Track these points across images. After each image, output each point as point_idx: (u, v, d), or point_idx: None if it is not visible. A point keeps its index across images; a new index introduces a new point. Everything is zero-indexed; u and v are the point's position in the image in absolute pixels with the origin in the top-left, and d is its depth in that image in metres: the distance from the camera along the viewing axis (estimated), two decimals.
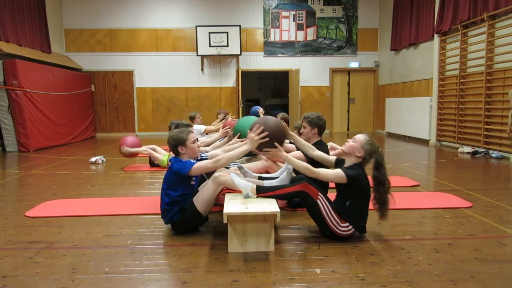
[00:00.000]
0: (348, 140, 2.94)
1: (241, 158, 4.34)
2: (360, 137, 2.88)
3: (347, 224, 2.80)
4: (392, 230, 3.13)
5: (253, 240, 2.68)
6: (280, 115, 5.75)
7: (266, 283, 2.25)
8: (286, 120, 5.53)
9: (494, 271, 2.37)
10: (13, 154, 8.26)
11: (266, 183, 3.05)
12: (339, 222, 2.78)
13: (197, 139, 3.14)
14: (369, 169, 2.88)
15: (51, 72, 9.85)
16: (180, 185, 2.99)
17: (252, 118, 3.95)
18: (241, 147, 3.05)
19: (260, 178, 3.22)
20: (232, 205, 2.73)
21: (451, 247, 2.74)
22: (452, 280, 2.25)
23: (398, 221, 3.34)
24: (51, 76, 9.83)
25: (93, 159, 6.84)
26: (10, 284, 2.28)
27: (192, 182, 3.07)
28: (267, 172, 3.69)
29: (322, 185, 3.37)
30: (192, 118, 7.54)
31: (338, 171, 2.77)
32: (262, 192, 2.89)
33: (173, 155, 3.13)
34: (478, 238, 2.93)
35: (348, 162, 2.89)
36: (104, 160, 6.91)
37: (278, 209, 2.63)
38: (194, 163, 2.94)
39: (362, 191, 2.81)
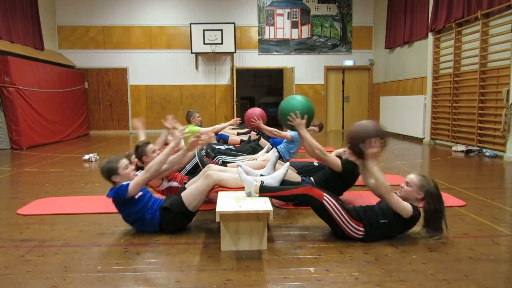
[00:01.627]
0: (401, 185, 2.87)
1: (241, 156, 4.31)
2: (413, 179, 2.81)
3: (359, 224, 2.76)
4: None
5: (245, 239, 2.67)
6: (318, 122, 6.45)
7: (260, 282, 2.24)
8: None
9: (488, 270, 2.38)
10: (6, 151, 8.18)
11: (266, 179, 3.04)
12: (349, 220, 2.75)
13: (129, 163, 3.08)
14: None
15: (44, 69, 9.75)
16: (129, 206, 2.96)
17: (293, 100, 3.70)
18: (167, 147, 3.06)
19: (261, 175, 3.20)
20: (225, 204, 2.71)
21: (445, 246, 2.74)
22: (446, 279, 2.25)
23: None
24: (44, 73, 9.74)
25: (86, 156, 6.79)
26: (1, 282, 2.26)
27: (138, 196, 2.98)
28: None
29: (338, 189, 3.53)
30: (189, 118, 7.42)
31: (409, 207, 2.71)
32: (265, 191, 2.87)
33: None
34: (472, 237, 2.94)
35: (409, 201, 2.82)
36: (98, 157, 6.86)
37: (271, 208, 2.62)
38: (128, 184, 2.89)
39: (407, 228, 2.80)
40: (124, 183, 2.92)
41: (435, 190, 2.78)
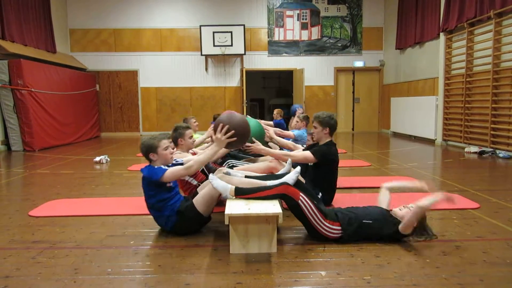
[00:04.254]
0: (408, 205, 2.84)
1: (246, 158, 4.32)
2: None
3: (336, 226, 2.77)
4: None
5: (255, 242, 2.65)
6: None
7: (270, 285, 2.22)
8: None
9: (504, 274, 2.32)
10: (18, 153, 8.29)
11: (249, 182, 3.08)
12: (323, 220, 2.76)
13: (169, 147, 3.08)
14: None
15: (56, 72, 9.87)
16: (155, 191, 2.95)
17: (253, 122, 3.95)
18: (209, 149, 3.01)
19: (246, 177, 3.20)
20: (233, 206, 2.70)
21: (459, 249, 2.69)
22: (461, 283, 2.20)
23: None
24: (56, 76, 9.86)
25: (97, 158, 6.84)
26: (12, 284, 2.27)
27: (169, 185, 3.00)
28: (271, 173, 3.65)
29: (320, 184, 3.60)
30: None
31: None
32: (240, 194, 2.88)
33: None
34: (486, 240, 2.88)
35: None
36: (109, 159, 6.91)
37: (280, 210, 2.60)
38: (166, 170, 2.90)
39: (393, 232, 2.78)
40: (163, 166, 2.95)
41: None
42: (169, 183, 2.98)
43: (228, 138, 2.89)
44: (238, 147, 3.25)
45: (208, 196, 2.97)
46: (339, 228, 2.77)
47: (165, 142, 3.00)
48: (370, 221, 2.79)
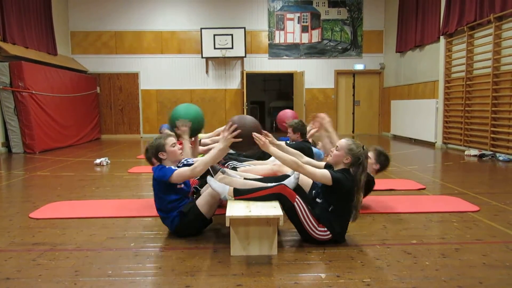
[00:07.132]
0: (331, 150, 2.90)
1: (248, 161, 4.31)
2: (342, 143, 2.82)
3: (325, 228, 2.77)
4: (398, 234, 3.09)
5: (255, 244, 2.65)
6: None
7: None
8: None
9: (503, 277, 2.33)
10: (19, 155, 8.30)
11: (249, 183, 3.06)
12: (316, 225, 2.76)
13: (176, 143, 3.10)
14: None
15: (57, 74, 9.89)
16: (166, 192, 2.96)
17: (185, 108, 3.77)
18: (214, 149, 2.94)
19: (245, 179, 3.20)
20: (234, 208, 2.71)
21: (458, 252, 2.69)
22: (460, 286, 2.21)
23: (404, 225, 3.30)
24: (57, 78, 9.88)
25: (97, 160, 6.85)
26: (13, 286, 2.27)
27: (180, 187, 3.00)
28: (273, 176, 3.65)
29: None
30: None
31: (325, 171, 2.73)
32: (239, 194, 2.89)
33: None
34: (486, 243, 2.88)
35: (338, 168, 2.84)
36: (109, 162, 6.92)
37: (281, 213, 2.61)
38: (174, 170, 2.91)
39: (347, 196, 2.75)
40: (173, 167, 2.96)
41: (363, 157, 2.74)
42: (179, 184, 2.98)
43: (234, 137, 2.82)
44: (244, 150, 3.12)
45: (209, 197, 2.98)
46: (327, 229, 2.77)
47: (171, 139, 3.06)
48: (332, 206, 2.76)
